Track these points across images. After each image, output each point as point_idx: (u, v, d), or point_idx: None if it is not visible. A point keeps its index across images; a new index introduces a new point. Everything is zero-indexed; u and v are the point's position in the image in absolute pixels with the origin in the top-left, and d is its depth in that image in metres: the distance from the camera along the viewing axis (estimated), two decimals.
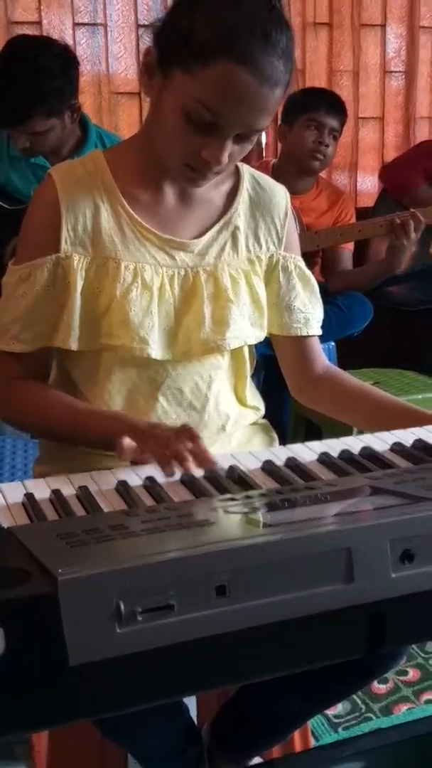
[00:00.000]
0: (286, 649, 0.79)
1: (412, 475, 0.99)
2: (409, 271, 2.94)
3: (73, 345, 1.31)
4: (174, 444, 1.08)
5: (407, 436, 1.19)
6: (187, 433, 1.11)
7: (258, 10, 1.17)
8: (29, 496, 0.97)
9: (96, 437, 1.23)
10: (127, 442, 1.10)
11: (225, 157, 1.22)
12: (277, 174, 2.84)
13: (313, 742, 1.59)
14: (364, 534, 0.80)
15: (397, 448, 1.16)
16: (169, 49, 1.19)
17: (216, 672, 0.78)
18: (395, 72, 3.64)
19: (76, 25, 3.11)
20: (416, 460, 1.11)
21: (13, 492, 0.99)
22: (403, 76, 3.64)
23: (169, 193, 1.35)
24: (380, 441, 1.18)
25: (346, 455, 1.13)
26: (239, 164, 1.41)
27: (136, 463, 1.11)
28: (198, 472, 1.07)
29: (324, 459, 1.13)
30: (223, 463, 1.11)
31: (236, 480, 1.06)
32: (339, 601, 0.78)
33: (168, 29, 1.21)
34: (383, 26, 3.59)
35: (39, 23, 3.05)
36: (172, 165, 1.27)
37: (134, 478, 1.05)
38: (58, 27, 3.05)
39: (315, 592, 0.77)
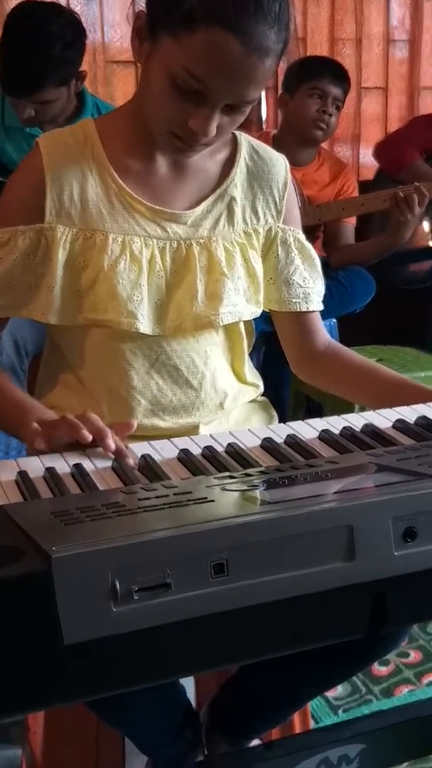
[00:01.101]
0: (286, 628, 0.79)
1: (415, 452, 0.98)
2: (415, 249, 2.94)
3: (52, 319, 1.31)
4: (87, 421, 1.08)
5: (410, 413, 1.20)
6: (122, 426, 1.14)
7: None
8: (23, 474, 0.97)
9: (5, 423, 1.26)
10: (35, 427, 1.09)
11: (212, 128, 1.20)
12: (277, 145, 2.82)
13: (312, 724, 1.60)
14: (365, 511, 0.79)
15: (400, 425, 1.16)
16: (158, 13, 1.18)
17: (214, 652, 0.78)
18: (399, 41, 3.62)
19: None
20: (419, 437, 1.11)
21: (6, 470, 0.99)
22: (407, 45, 3.62)
23: (162, 163, 1.34)
24: (382, 418, 1.19)
25: (347, 432, 1.14)
26: (237, 132, 1.40)
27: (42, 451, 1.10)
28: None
29: (325, 436, 1.13)
30: (222, 440, 1.11)
31: (235, 457, 1.06)
32: (340, 580, 0.78)
33: None
34: None
35: None
36: (158, 134, 1.26)
37: (130, 460, 1.05)
38: None
39: (315, 571, 0.77)
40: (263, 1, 1.13)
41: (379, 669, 1.98)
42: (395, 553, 0.80)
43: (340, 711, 1.85)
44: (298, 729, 1.46)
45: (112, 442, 1.06)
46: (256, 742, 1.38)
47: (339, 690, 1.90)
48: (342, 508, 0.79)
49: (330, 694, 1.89)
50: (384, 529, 0.79)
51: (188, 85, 1.16)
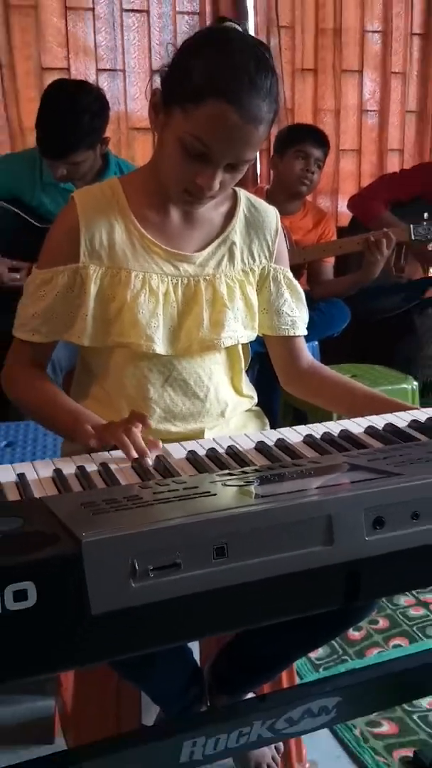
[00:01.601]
0: (275, 601, 0.79)
1: (383, 454, 0.98)
2: (383, 284, 2.94)
3: (86, 341, 1.31)
4: (125, 429, 1.09)
5: (379, 421, 1.19)
6: (137, 416, 1.13)
7: (246, 59, 1.16)
8: (57, 471, 0.97)
9: (60, 428, 1.27)
10: (90, 430, 1.12)
11: (216, 184, 1.22)
12: (269, 198, 2.82)
13: (297, 680, 1.59)
14: (342, 503, 0.80)
15: (371, 431, 1.16)
16: (171, 90, 1.20)
17: (215, 620, 0.78)
18: (370, 111, 3.63)
19: (99, 70, 3.11)
20: (387, 441, 1.11)
21: (44, 468, 0.99)
22: (377, 115, 3.63)
23: (175, 214, 1.35)
24: (356, 425, 1.18)
25: (327, 437, 1.13)
26: (237, 189, 1.40)
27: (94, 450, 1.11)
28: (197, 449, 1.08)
29: (308, 440, 1.12)
30: (223, 443, 1.11)
31: (234, 458, 1.06)
32: (320, 561, 0.78)
33: (171, 73, 1.21)
34: (360, 72, 3.58)
35: (67, 69, 3.04)
36: (172, 190, 1.27)
37: (149, 459, 1.05)
38: (83, 72, 3.05)
39: (300, 553, 0.77)
40: (257, 79, 1.15)
41: (353, 634, 1.98)
42: (366, 539, 0.80)
43: (320, 669, 1.84)
44: (285, 684, 1.45)
45: (146, 451, 1.06)
46: (250, 695, 1.37)
47: (320, 652, 1.90)
48: (322, 501, 0.80)
49: (312, 655, 1.88)
50: (357, 519, 0.80)
51: (195, 149, 1.17)
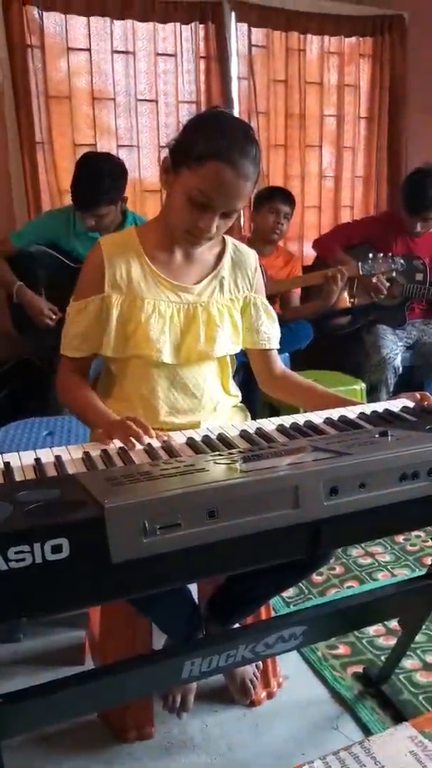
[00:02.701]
0: (255, 552, 0.79)
1: (338, 438, 0.98)
2: (338, 309, 2.94)
3: (109, 353, 1.32)
4: (128, 428, 1.06)
5: (335, 414, 1.18)
6: (134, 420, 1.08)
7: (237, 132, 1.18)
8: (86, 453, 0.97)
9: (89, 423, 1.27)
10: (99, 432, 1.10)
11: (214, 228, 1.22)
12: (249, 243, 2.78)
13: (273, 614, 1.59)
14: (305, 476, 0.80)
15: (328, 421, 1.15)
16: (179, 156, 1.20)
17: (208, 567, 0.78)
18: (328, 176, 3.62)
19: (119, 146, 3.09)
20: (341, 429, 1.10)
21: (76, 451, 0.98)
22: (333, 180, 3.63)
23: (178, 254, 1.34)
24: (317, 416, 1.17)
25: (294, 426, 1.13)
26: (225, 237, 1.41)
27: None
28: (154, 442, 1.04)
29: (280, 428, 1.12)
30: (214, 431, 1.10)
31: (223, 442, 1.05)
32: (289, 521, 0.79)
33: (179, 143, 1.22)
34: (320, 147, 3.57)
35: (95, 145, 3.03)
36: (178, 232, 1.27)
37: (155, 442, 1.04)
38: (107, 147, 3.04)
39: (274, 515, 0.78)
40: (246, 147, 1.17)
41: (316, 578, 1.97)
42: (324, 503, 0.80)
43: (291, 605, 1.83)
44: (264, 617, 1.45)
45: (144, 440, 1.04)
46: (237, 625, 1.37)
47: (290, 591, 1.89)
48: (290, 475, 0.80)
49: (285, 594, 1.87)
50: (317, 488, 0.80)
51: (199, 199, 1.18)
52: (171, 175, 1.23)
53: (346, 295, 3.00)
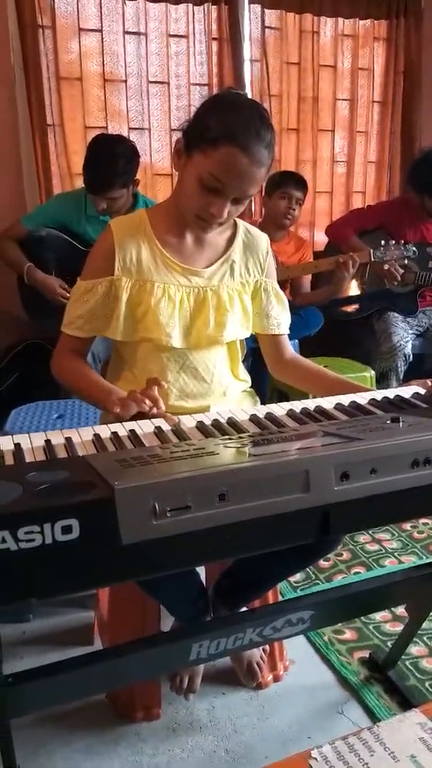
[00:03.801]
0: (264, 535, 0.79)
1: (348, 424, 0.96)
2: (350, 295, 2.91)
3: (119, 337, 1.31)
4: (145, 393, 1.08)
5: (345, 399, 1.18)
6: (152, 380, 1.10)
7: (252, 116, 1.15)
8: (96, 436, 0.96)
9: (95, 400, 1.23)
10: (115, 400, 1.10)
11: (225, 213, 1.20)
12: (261, 228, 2.79)
13: (280, 598, 1.59)
14: (316, 461, 0.79)
15: (339, 406, 1.14)
16: (193, 138, 1.18)
17: (217, 550, 0.78)
18: (340, 162, 3.58)
19: (130, 129, 3.06)
20: (351, 414, 1.09)
21: (86, 433, 0.98)
22: (345, 165, 3.58)
23: (188, 238, 1.33)
24: (327, 402, 1.16)
25: (305, 411, 1.12)
26: (237, 220, 1.39)
27: (121, 418, 1.09)
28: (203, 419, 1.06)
29: (290, 413, 1.11)
30: (224, 415, 1.09)
31: (232, 426, 1.04)
32: (299, 505, 0.78)
33: (192, 125, 1.20)
34: (332, 131, 3.53)
35: (105, 128, 3.00)
36: (189, 216, 1.25)
37: (165, 425, 1.03)
38: (117, 131, 3.00)
39: (284, 499, 0.77)
40: (261, 131, 1.14)
41: (323, 563, 1.97)
42: (335, 489, 0.79)
43: (298, 590, 1.83)
44: (271, 600, 1.45)
45: (162, 407, 1.06)
46: (244, 609, 1.37)
47: (297, 576, 1.89)
48: (301, 459, 0.79)
49: (292, 579, 1.88)
50: (328, 473, 0.79)
51: (211, 184, 1.16)
52: (183, 158, 1.21)
53: (355, 283, 2.98)
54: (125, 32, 2.97)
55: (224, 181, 1.16)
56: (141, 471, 0.73)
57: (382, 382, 2.74)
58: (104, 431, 0.98)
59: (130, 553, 0.69)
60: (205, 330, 1.32)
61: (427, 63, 3.53)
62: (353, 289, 2.98)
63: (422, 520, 2.21)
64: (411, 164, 2.86)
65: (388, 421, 0.95)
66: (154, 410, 1.07)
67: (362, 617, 1.69)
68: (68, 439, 0.94)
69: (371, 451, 0.82)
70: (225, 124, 1.13)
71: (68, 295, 2.38)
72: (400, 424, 0.93)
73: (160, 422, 1.04)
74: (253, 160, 1.13)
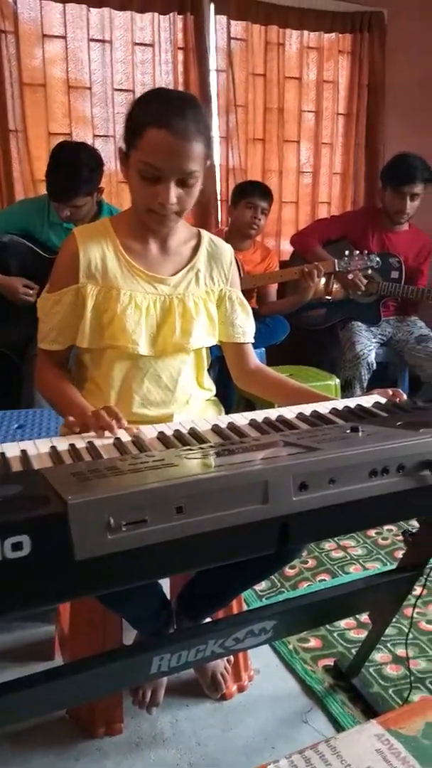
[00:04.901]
0: (223, 547, 0.78)
1: (309, 434, 0.96)
2: (315, 303, 2.94)
3: (84, 344, 1.30)
4: (101, 418, 1.04)
5: (307, 408, 1.18)
6: (107, 409, 1.07)
7: (173, 99, 1.18)
8: (53, 448, 0.94)
9: (63, 413, 1.21)
10: (71, 419, 1.07)
11: (173, 198, 1.20)
12: (227, 238, 2.80)
13: (245, 607, 1.58)
14: (275, 472, 0.78)
15: (301, 416, 1.14)
16: (126, 140, 1.21)
17: (175, 563, 0.76)
18: (305, 172, 3.61)
19: (95, 136, 3.05)
20: (312, 424, 1.10)
21: (43, 445, 0.96)
22: (311, 175, 3.62)
23: (153, 246, 1.33)
24: (289, 411, 1.17)
25: (267, 420, 1.12)
26: (201, 231, 1.40)
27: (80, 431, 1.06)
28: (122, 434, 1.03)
29: (252, 423, 1.11)
30: (186, 425, 1.08)
31: (194, 436, 1.04)
32: (258, 516, 0.77)
33: (124, 129, 1.22)
34: (298, 142, 3.57)
35: (70, 134, 2.98)
36: (142, 214, 1.25)
37: (125, 436, 1.02)
38: (82, 137, 2.99)
39: (242, 510, 0.76)
40: (182, 108, 1.16)
41: (288, 571, 1.97)
42: (293, 499, 0.79)
43: (263, 598, 1.83)
44: (235, 611, 1.44)
45: (116, 431, 1.03)
46: (208, 620, 1.36)
47: (263, 585, 1.89)
48: (260, 470, 0.78)
49: (257, 587, 1.88)
50: (286, 483, 0.78)
51: (149, 172, 1.17)
52: (125, 163, 1.22)
53: (322, 290, 3.00)
54: (90, 39, 2.96)
55: (158, 165, 1.16)
56: (96, 484, 0.72)
57: (346, 390, 2.77)
58: (62, 443, 0.96)
59: (85, 568, 0.67)
60: (171, 337, 1.32)
61: (390, 77, 3.60)
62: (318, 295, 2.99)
63: (386, 527, 2.24)
64: (384, 166, 2.91)
65: (348, 431, 0.95)
66: (115, 430, 1.04)
67: (327, 625, 1.70)
68: (24, 452, 0.92)
69: (330, 461, 0.81)
70: (146, 113, 1.16)
71: (31, 292, 2.35)
72: (360, 433, 0.93)
73: (120, 432, 1.03)
74: (178, 135, 1.14)
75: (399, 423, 1.02)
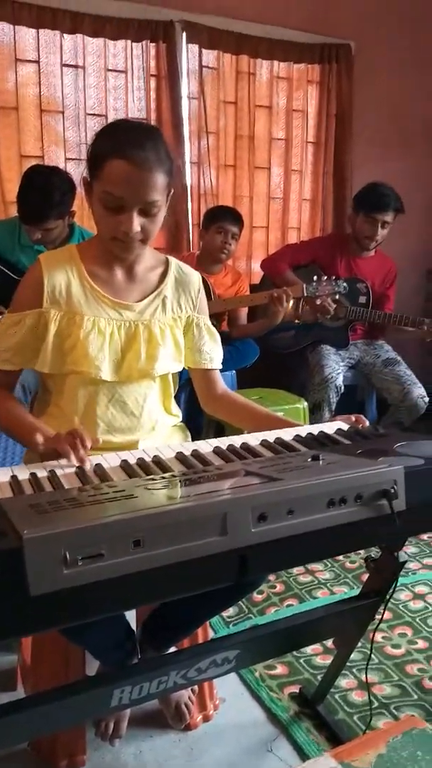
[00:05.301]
0: (182, 580, 0.77)
1: (271, 462, 0.98)
2: (284, 327, 2.97)
3: (46, 369, 1.29)
4: (68, 440, 1.06)
5: (271, 435, 1.19)
6: (75, 432, 1.08)
7: (132, 129, 1.20)
8: (14, 477, 0.94)
9: (19, 437, 1.22)
10: (40, 439, 1.08)
11: (136, 227, 1.21)
12: (199, 261, 2.83)
13: (212, 634, 1.57)
14: (234, 503, 0.79)
15: (265, 443, 1.15)
16: (89, 172, 1.22)
17: (133, 597, 0.76)
18: (276, 198, 3.66)
19: (67, 159, 3.06)
20: (276, 451, 1.11)
21: (3, 474, 0.95)
22: (281, 201, 3.67)
23: (119, 272, 1.34)
24: (254, 438, 1.17)
25: (231, 448, 1.12)
26: (169, 258, 1.42)
27: (46, 456, 1.08)
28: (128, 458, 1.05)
29: (217, 450, 1.11)
30: (150, 453, 1.09)
31: (158, 465, 1.04)
32: (216, 548, 0.77)
33: (87, 160, 1.23)
34: (269, 168, 3.61)
35: (42, 157, 2.98)
36: (107, 242, 1.26)
37: (87, 465, 1.02)
38: (54, 160, 2.99)
39: (201, 543, 0.76)
40: (142, 140, 1.17)
41: (256, 597, 1.97)
42: (252, 530, 0.79)
43: (231, 625, 1.82)
44: (201, 639, 1.43)
45: (84, 459, 1.04)
46: (172, 649, 1.35)
47: (230, 611, 1.88)
48: (218, 502, 0.78)
49: (225, 614, 1.87)
50: (245, 515, 0.79)
51: (111, 202, 1.19)
52: (89, 192, 1.24)
53: (292, 314, 3.04)
54: (63, 64, 2.98)
55: (119, 195, 1.17)
56: (54, 517, 0.72)
57: (315, 412, 2.79)
58: (23, 472, 0.96)
59: (39, 603, 0.67)
60: (136, 363, 1.32)
61: (357, 107, 3.70)
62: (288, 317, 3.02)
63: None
64: (355, 194, 2.98)
65: (309, 459, 0.97)
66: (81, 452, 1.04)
67: (293, 651, 1.69)
68: None
69: (289, 491, 0.82)
70: (107, 144, 1.18)
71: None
72: (320, 462, 0.95)
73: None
74: (138, 165, 1.15)
75: (359, 451, 1.03)
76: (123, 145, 1.16)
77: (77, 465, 1.02)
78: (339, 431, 1.21)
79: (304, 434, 1.19)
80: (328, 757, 0.69)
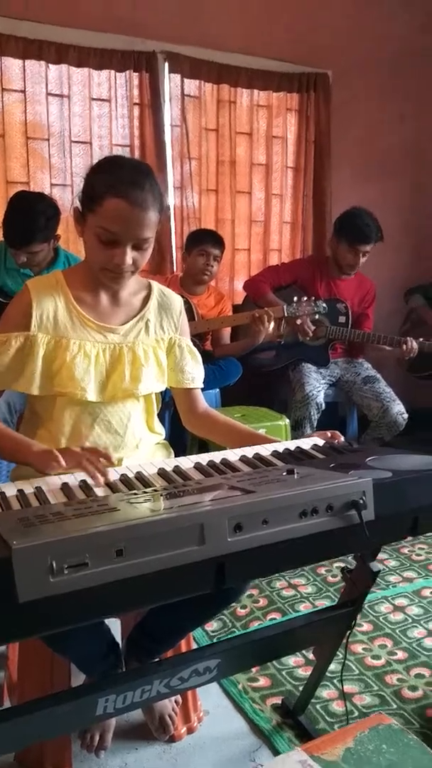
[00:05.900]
0: (161, 588, 0.81)
1: (249, 476, 1.01)
2: (266, 346, 3.03)
3: (35, 391, 1.33)
4: (88, 456, 1.11)
5: (250, 451, 1.23)
6: (95, 450, 1.14)
7: (129, 169, 1.26)
8: (2, 494, 0.98)
9: (10, 453, 1.26)
10: (53, 457, 1.12)
11: (128, 260, 1.27)
12: (182, 283, 2.90)
13: (194, 646, 1.59)
14: (211, 515, 0.82)
15: (243, 458, 1.19)
16: (84, 204, 1.28)
17: (116, 604, 0.79)
18: (257, 221, 3.75)
19: (53, 184, 3.12)
20: (254, 466, 1.15)
21: None
22: (262, 224, 3.76)
23: (104, 297, 1.39)
24: (233, 454, 1.21)
25: (211, 464, 1.16)
26: (152, 282, 1.47)
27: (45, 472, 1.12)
28: (111, 474, 1.09)
29: (197, 466, 1.15)
30: (133, 469, 1.13)
31: (140, 480, 1.08)
32: (195, 557, 0.81)
33: (82, 192, 1.29)
34: (250, 193, 3.71)
35: (28, 183, 3.05)
36: (97, 272, 1.32)
37: (72, 480, 1.06)
38: (40, 185, 3.06)
39: (180, 552, 0.80)
40: (139, 179, 1.23)
41: (239, 611, 2.00)
42: (228, 540, 0.83)
43: (214, 639, 1.85)
44: (183, 650, 1.45)
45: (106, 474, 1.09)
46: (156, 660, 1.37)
47: (213, 625, 1.91)
48: (196, 513, 0.82)
49: (208, 627, 1.89)
50: (222, 525, 0.82)
51: (105, 236, 1.24)
52: (81, 222, 1.29)
53: (273, 334, 3.10)
54: (48, 93, 3.06)
55: (115, 231, 1.24)
56: (41, 530, 0.76)
57: (297, 429, 2.84)
58: (10, 489, 0.99)
59: (28, 610, 0.70)
60: (120, 384, 1.36)
61: (335, 134, 3.81)
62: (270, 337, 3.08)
63: (335, 564, 2.29)
64: (337, 220, 3.06)
65: (284, 473, 1.01)
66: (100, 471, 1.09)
67: (276, 663, 1.73)
68: None
69: (263, 503, 0.87)
70: (105, 182, 1.23)
71: None
72: (295, 475, 1.00)
73: (67, 478, 1.07)
74: (135, 205, 1.22)
75: (332, 465, 1.09)
76: (122, 184, 1.21)
77: (102, 482, 1.06)
78: (315, 446, 1.26)
79: (281, 450, 1.24)
80: (300, 751, 0.73)
